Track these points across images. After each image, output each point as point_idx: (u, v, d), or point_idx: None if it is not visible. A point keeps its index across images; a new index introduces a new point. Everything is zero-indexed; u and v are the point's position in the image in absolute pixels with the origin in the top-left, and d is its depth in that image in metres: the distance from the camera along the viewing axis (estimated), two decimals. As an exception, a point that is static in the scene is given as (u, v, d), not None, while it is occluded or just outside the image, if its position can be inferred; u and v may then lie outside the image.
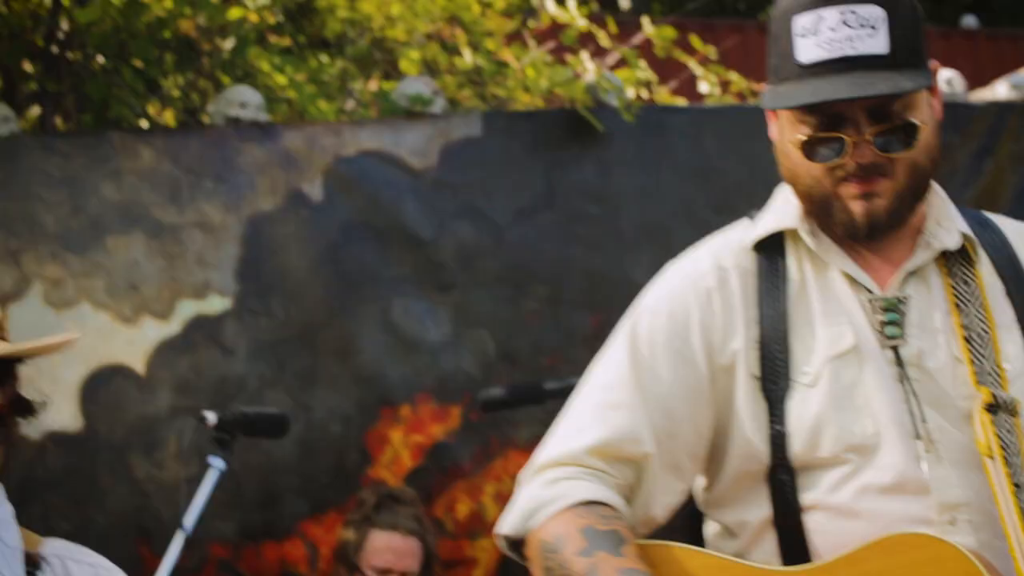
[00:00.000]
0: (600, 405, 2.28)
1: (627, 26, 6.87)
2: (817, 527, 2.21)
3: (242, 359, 4.92)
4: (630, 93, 5.59)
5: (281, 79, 5.67)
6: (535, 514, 2.22)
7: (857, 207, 2.20)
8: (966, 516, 2.19)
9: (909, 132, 2.20)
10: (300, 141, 5.11)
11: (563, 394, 4.43)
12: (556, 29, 6.12)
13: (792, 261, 2.31)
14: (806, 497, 2.22)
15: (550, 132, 5.36)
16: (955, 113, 6.48)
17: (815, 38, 2.18)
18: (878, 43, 2.17)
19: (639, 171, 5.34)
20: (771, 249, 2.31)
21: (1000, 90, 6.94)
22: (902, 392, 2.22)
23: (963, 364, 2.23)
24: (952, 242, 2.28)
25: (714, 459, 2.31)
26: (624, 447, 2.24)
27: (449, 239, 5.16)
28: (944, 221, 2.30)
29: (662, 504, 2.30)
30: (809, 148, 2.21)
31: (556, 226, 5.23)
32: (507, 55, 5.88)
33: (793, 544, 2.22)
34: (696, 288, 2.29)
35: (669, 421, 2.26)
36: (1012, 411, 2.19)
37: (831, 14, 2.18)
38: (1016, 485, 2.14)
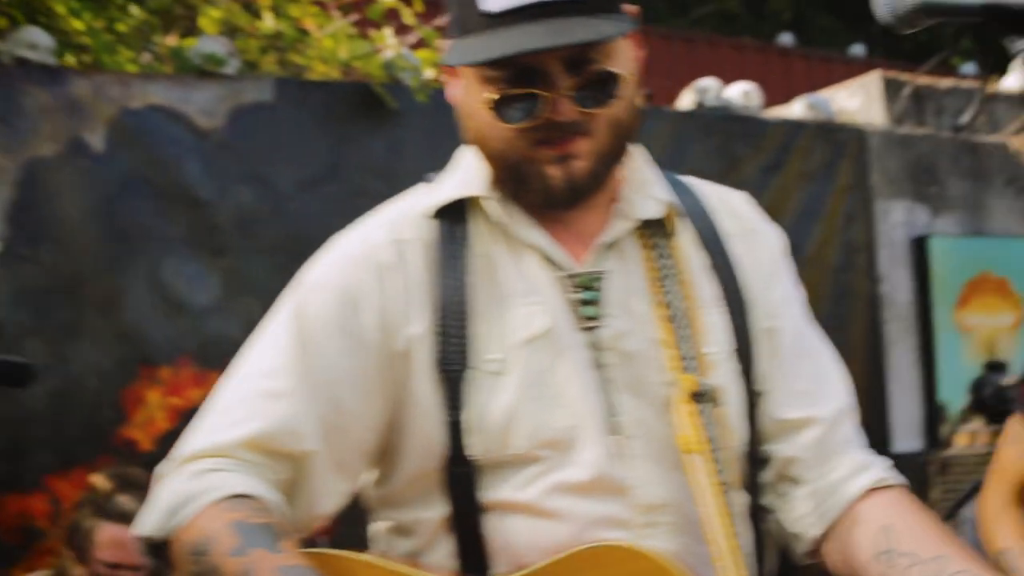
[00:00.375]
0: (259, 394, 1.98)
1: (434, 6, 6.90)
2: (501, 528, 1.99)
3: (3, 305, 4.83)
4: (428, 74, 5.63)
5: (78, 24, 5.58)
6: (179, 510, 1.90)
7: (555, 171, 1.97)
8: (668, 518, 2.00)
9: (610, 84, 1.97)
10: (87, 89, 5.03)
11: None
12: (364, 2, 6.12)
13: (477, 233, 2.06)
14: (489, 495, 1.99)
15: (342, 105, 5.38)
16: (748, 126, 6.69)
17: None
18: None
19: (428, 152, 5.32)
20: (454, 219, 2.06)
21: (796, 108, 7.16)
22: (600, 380, 2.01)
23: (664, 347, 2.03)
24: (651, 211, 2.08)
25: (388, 454, 2.07)
26: (283, 442, 1.96)
27: (228, 203, 5.13)
28: (643, 188, 2.11)
29: (326, 504, 2.02)
30: (500, 108, 1.95)
31: (339, 200, 5.23)
32: (310, 23, 5.86)
33: (472, 546, 2.00)
34: (370, 263, 2.02)
35: (337, 413, 2.00)
36: (716, 401, 2.01)
37: None
38: (721, 483, 1.95)
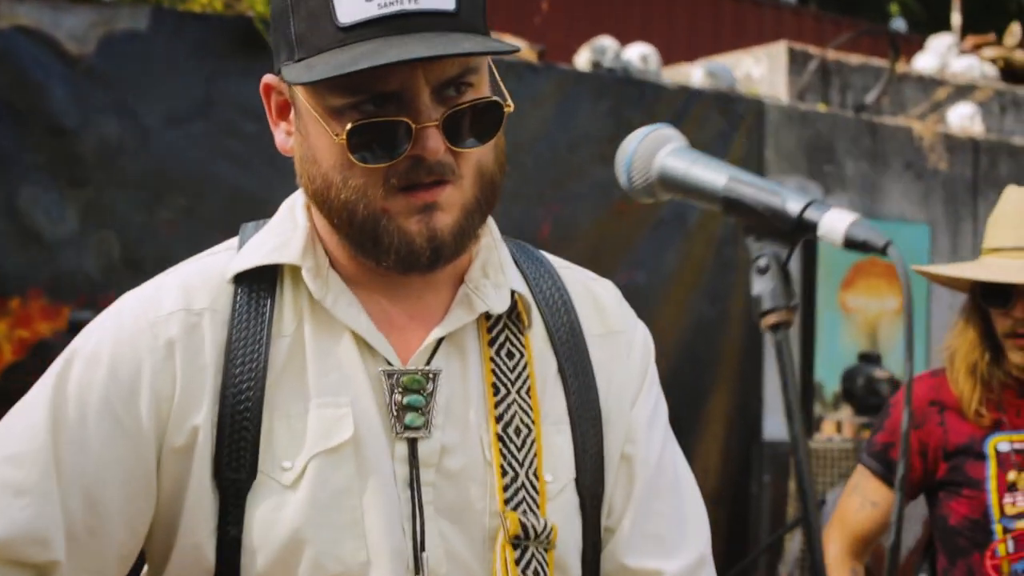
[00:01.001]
0: (1, 487, 1.68)
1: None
2: None
3: None
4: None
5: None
6: None
7: (415, 226, 1.67)
8: None
9: (489, 116, 1.70)
10: (-47, 7, 4.94)
11: None
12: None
13: (287, 308, 1.77)
14: None
15: (220, 39, 5.30)
16: (643, 91, 6.70)
17: None
18: None
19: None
20: (261, 287, 1.76)
21: (695, 75, 7.19)
22: (412, 503, 1.73)
23: (493, 470, 1.75)
24: (499, 303, 1.78)
25: (152, 562, 1.80)
26: (25, 551, 1.67)
27: (92, 133, 5.05)
28: (493, 270, 1.81)
29: None
30: (355, 142, 1.63)
31: (208, 138, 5.18)
32: (195, -48, 5.78)
33: None
34: (154, 335, 1.72)
35: (93, 515, 1.70)
36: (546, 544, 1.75)
37: None
38: None
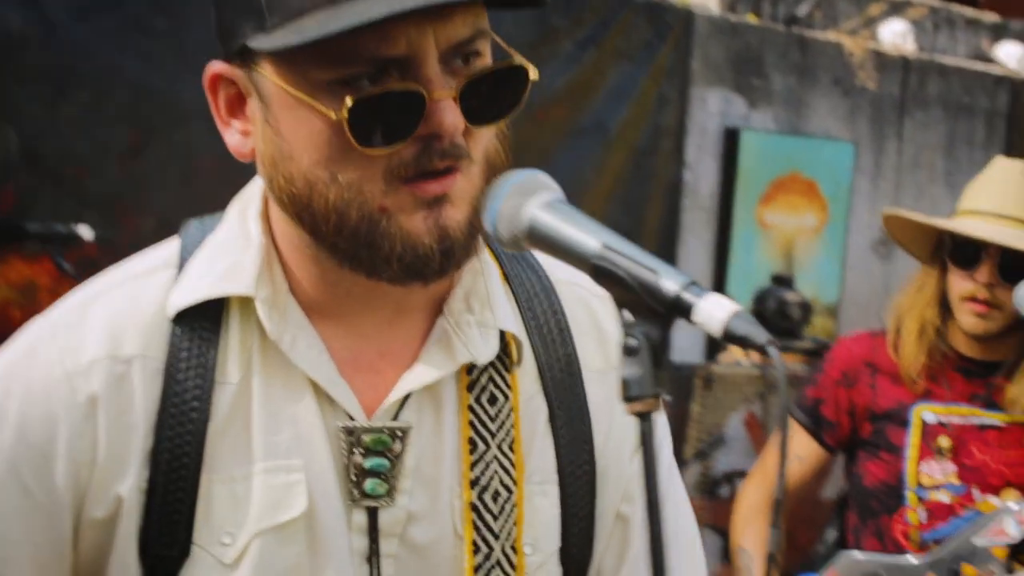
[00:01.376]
0: None
1: None
2: None
3: None
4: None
5: None
6: None
7: (422, 224, 1.41)
8: None
9: (512, 85, 1.45)
10: None
11: (46, 239, 4.47)
12: None
13: (234, 346, 1.51)
14: None
15: (131, -73, 5.22)
16: (569, -3, 6.66)
17: None
18: None
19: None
20: (203, 322, 1.50)
21: (625, -17, 7.14)
22: None
23: (464, 545, 1.54)
24: (485, 351, 1.54)
25: None
26: None
27: (-6, 24, 4.98)
28: (477, 301, 1.56)
29: None
30: (361, 122, 1.36)
31: (118, 33, 5.10)
32: None
33: None
34: (73, 389, 1.47)
35: None
36: None
37: None
38: None
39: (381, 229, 1.40)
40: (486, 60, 1.43)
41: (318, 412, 1.50)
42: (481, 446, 1.54)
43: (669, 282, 1.24)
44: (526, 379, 1.58)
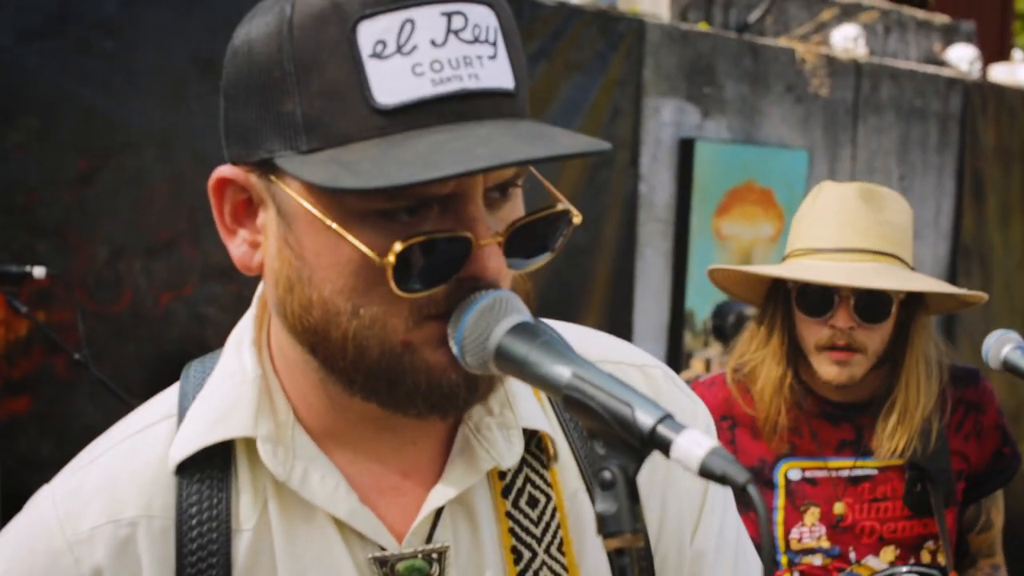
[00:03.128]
0: None
1: None
2: None
3: None
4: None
5: None
6: None
7: (446, 358, 1.35)
8: None
9: (554, 228, 1.42)
10: None
11: None
12: None
13: (246, 490, 1.45)
14: None
15: (74, -50, 5.24)
16: (520, 8, 6.73)
17: (405, 60, 1.28)
18: (501, 70, 1.33)
19: (165, 10, 5.28)
20: (210, 470, 1.45)
21: (576, -8, 7.23)
22: None
23: None
24: (508, 454, 1.49)
25: None
26: None
27: (-64, 50, 4.99)
28: (496, 401, 1.50)
29: None
30: (405, 266, 1.30)
31: (62, 55, 5.13)
32: None
33: None
34: (76, 561, 1.42)
35: None
36: None
37: (428, 17, 1.29)
38: None
39: (404, 365, 1.34)
40: (519, 191, 1.39)
41: (344, 547, 1.44)
42: (527, 554, 1.49)
43: (644, 416, 1.20)
44: (568, 476, 1.53)
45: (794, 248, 3.23)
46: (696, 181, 7.26)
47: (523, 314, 1.33)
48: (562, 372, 1.26)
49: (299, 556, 1.43)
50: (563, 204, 1.40)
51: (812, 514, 3.20)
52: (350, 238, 1.30)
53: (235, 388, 1.45)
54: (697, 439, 1.17)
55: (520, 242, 1.37)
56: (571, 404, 1.25)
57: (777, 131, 7.74)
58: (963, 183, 8.55)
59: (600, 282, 6.88)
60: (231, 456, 1.44)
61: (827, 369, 3.14)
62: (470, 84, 1.29)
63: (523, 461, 1.51)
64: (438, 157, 1.23)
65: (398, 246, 1.28)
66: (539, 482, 1.51)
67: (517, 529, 1.49)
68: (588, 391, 1.24)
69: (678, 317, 7.24)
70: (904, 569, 3.18)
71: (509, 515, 1.49)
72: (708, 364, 6.74)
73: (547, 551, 1.50)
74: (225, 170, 1.39)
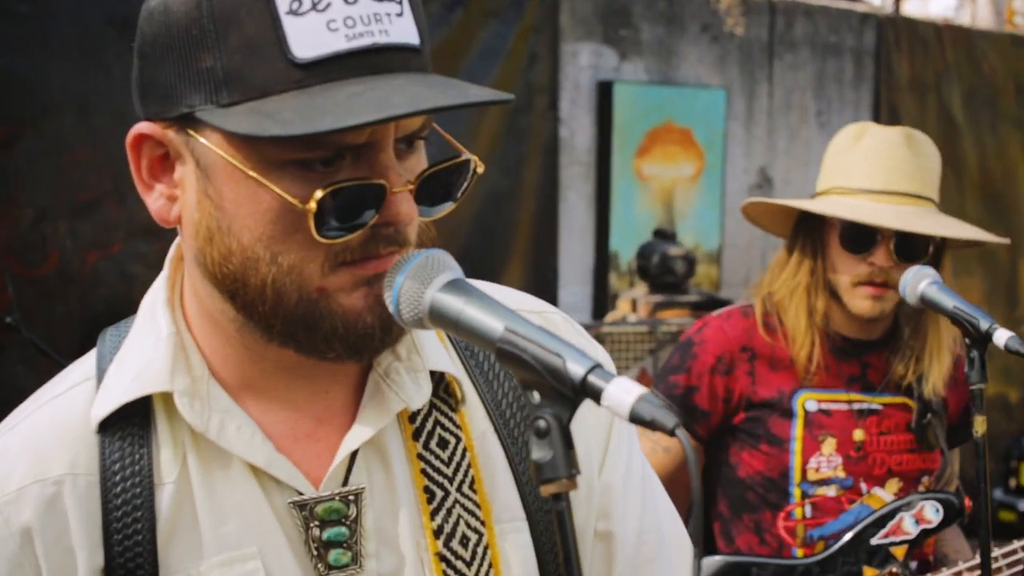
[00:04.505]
0: None
1: None
2: None
3: None
4: None
5: None
6: None
7: (361, 302, 1.43)
8: None
9: (459, 177, 1.50)
10: None
11: None
12: None
13: (165, 443, 1.51)
14: None
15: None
16: (438, -44, 6.78)
17: (320, 16, 1.36)
18: (407, 27, 1.41)
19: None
20: (131, 427, 1.50)
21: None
22: None
23: None
24: (417, 396, 1.57)
25: None
26: None
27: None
28: (404, 346, 1.58)
29: None
30: (324, 212, 1.37)
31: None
32: None
33: None
34: (5, 522, 1.47)
35: None
36: None
37: None
38: None
39: (320, 310, 1.41)
40: (423, 143, 1.48)
41: (262, 493, 1.50)
42: (439, 493, 1.56)
43: (575, 366, 1.25)
44: (476, 417, 1.61)
45: (835, 185, 3.30)
46: (616, 123, 7.36)
47: (456, 271, 1.39)
48: (495, 326, 1.31)
49: (219, 505, 1.49)
50: (466, 155, 1.48)
51: (829, 444, 3.28)
52: (271, 186, 1.36)
53: (150, 346, 1.51)
54: (626, 386, 1.22)
55: (427, 191, 1.45)
56: (504, 356, 1.30)
57: (694, 71, 7.85)
58: (879, 117, 8.69)
59: (524, 227, 6.97)
60: (150, 412, 1.50)
61: (861, 303, 3.23)
62: (381, 39, 1.37)
63: (432, 405, 1.58)
64: (357, 105, 1.30)
65: (319, 193, 1.35)
66: (448, 424, 1.59)
67: (429, 470, 1.56)
68: (520, 344, 1.29)
69: (603, 259, 7.36)
70: (921, 495, 3.26)
71: (421, 456, 1.56)
72: (634, 304, 6.81)
73: (459, 489, 1.57)
74: (142, 126, 1.44)
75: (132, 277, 5.30)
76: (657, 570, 1.72)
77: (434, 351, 1.60)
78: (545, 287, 7.01)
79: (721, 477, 3.41)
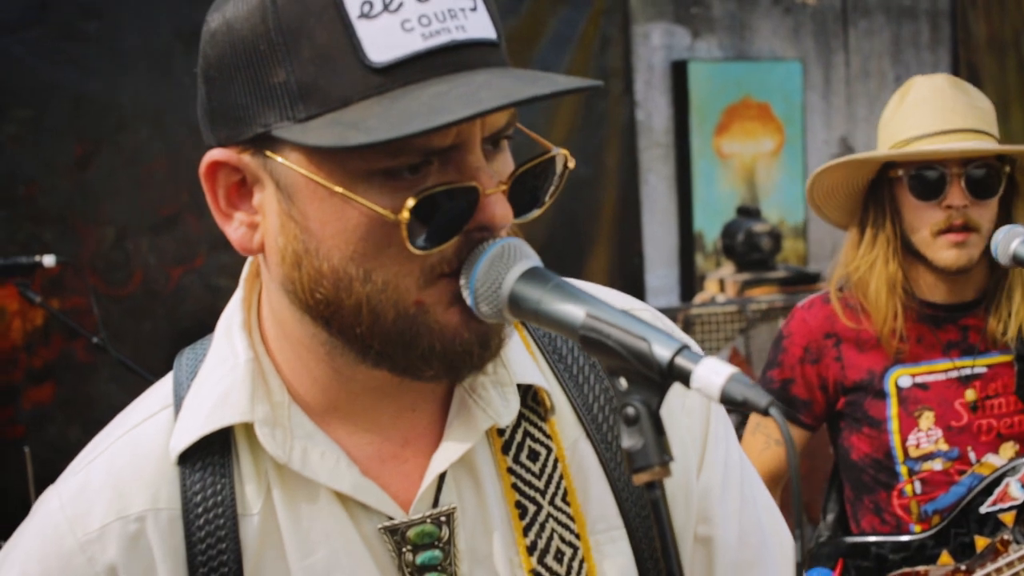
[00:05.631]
0: None
1: None
2: None
3: None
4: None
5: None
6: None
7: (457, 318, 1.37)
8: None
9: (552, 174, 1.43)
10: None
11: (10, 271, 4.51)
12: None
13: (248, 474, 1.46)
14: None
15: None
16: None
17: (393, 17, 1.29)
18: (483, 21, 1.35)
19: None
20: (212, 457, 1.46)
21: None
22: None
23: None
24: (506, 411, 1.50)
25: None
26: None
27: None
28: (497, 362, 1.51)
29: None
30: (418, 222, 1.31)
31: (47, 43, 5.15)
32: None
33: None
34: (89, 561, 1.43)
35: None
36: None
37: None
38: None
39: (418, 326, 1.35)
40: (507, 145, 1.40)
41: (350, 521, 1.45)
42: (532, 507, 1.50)
43: (661, 349, 1.21)
44: (566, 426, 1.54)
45: (893, 143, 3.24)
46: (692, 102, 7.26)
47: (533, 259, 1.34)
48: (576, 313, 1.27)
49: (305, 535, 1.44)
50: (555, 150, 1.41)
51: (927, 418, 3.22)
52: (359, 199, 1.29)
53: (228, 373, 1.46)
54: (716, 367, 1.17)
55: (518, 192, 1.38)
56: (588, 343, 1.26)
57: (769, 44, 7.72)
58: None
59: (607, 213, 6.90)
60: (231, 442, 1.45)
61: (946, 254, 3.16)
62: (458, 36, 1.31)
63: (521, 416, 1.51)
64: (445, 104, 1.24)
65: (411, 201, 1.28)
66: (538, 435, 1.52)
67: (520, 484, 1.50)
68: (603, 329, 1.25)
69: (687, 240, 7.26)
70: None
71: (511, 471, 1.50)
72: (722, 284, 6.73)
73: (552, 502, 1.51)
74: (215, 154, 1.38)
75: (217, 289, 5.29)
76: (759, 573, 1.65)
77: (521, 362, 1.52)
78: (631, 272, 6.95)
79: (840, 461, 3.39)
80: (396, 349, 1.36)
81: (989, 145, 3.12)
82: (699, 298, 6.79)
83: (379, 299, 1.33)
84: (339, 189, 1.30)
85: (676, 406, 1.58)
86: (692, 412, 1.61)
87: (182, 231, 5.26)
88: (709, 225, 7.21)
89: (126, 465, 1.45)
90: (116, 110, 5.15)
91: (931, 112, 3.18)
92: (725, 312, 6.39)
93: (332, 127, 1.27)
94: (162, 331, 5.20)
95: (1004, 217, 3.19)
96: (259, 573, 1.43)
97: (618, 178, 6.94)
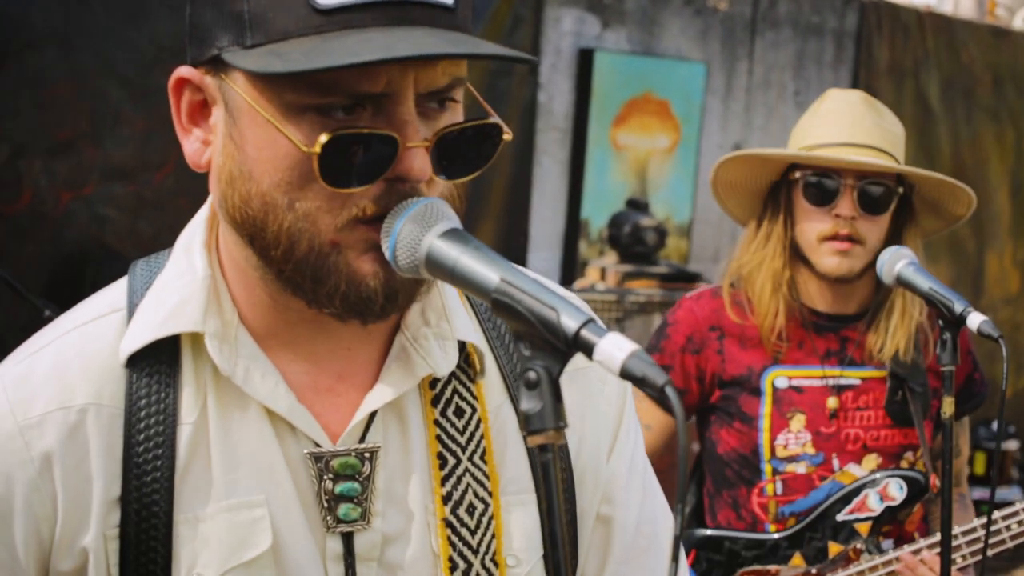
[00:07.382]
0: None
1: None
2: None
3: None
4: None
5: None
6: None
7: (370, 266, 1.45)
8: None
9: (485, 143, 1.49)
10: None
11: None
12: None
13: (189, 383, 1.54)
14: None
15: None
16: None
17: None
18: None
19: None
20: (159, 364, 1.53)
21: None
22: None
23: (441, 562, 1.58)
24: (444, 363, 1.59)
25: None
26: None
27: None
28: (433, 313, 1.61)
29: None
30: (332, 157, 1.39)
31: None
32: None
33: None
34: (26, 444, 1.49)
35: None
36: None
37: None
38: None
39: (329, 264, 1.43)
40: (459, 108, 1.47)
41: (277, 442, 1.52)
42: (451, 460, 1.58)
43: (568, 319, 1.27)
44: (493, 390, 1.64)
45: (799, 147, 3.36)
46: (595, 91, 7.37)
47: (454, 221, 1.41)
48: (491, 276, 1.34)
49: (232, 450, 1.52)
50: (494, 118, 1.48)
51: (798, 421, 3.32)
52: (282, 128, 1.39)
53: (185, 286, 1.54)
54: (619, 342, 1.23)
55: (449, 153, 1.45)
56: (499, 307, 1.32)
57: (676, 43, 7.87)
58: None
59: (497, 190, 6.98)
60: (177, 352, 1.53)
61: (828, 260, 3.28)
62: None
63: (452, 374, 1.61)
64: (362, 48, 1.32)
65: (323, 137, 1.37)
66: (466, 395, 1.61)
67: (444, 437, 1.59)
68: (515, 295, 1.31)
69: (574, 226, 7.38)
70: (886, 472, 3.31)
71: (437, 423, 1.59)
72: (603, 273, 6.84)
73: (470, 459, 1.59)
74: (183, 70, 1.49)
75: (104, 219, 5.28)
76: (649, 561, 1.76)
77: (463, 320, 1.62)
78: (516, 251, 7.04)
79: (705, 453, 3.46)
80: (306, 280, 1.45)
81: (886, 163, 3.25)
82: (579, 284, 6.89)
83: (297, 228, 1.42)
84: (269, 117, 1.40)
85: (596, 391, 1.71)
86: (610, 400, 1.73)
87: (76, 157, 5.25)
88: (597, 213, 7.34)
89: (73, 358, 1.52)
90: (26, 29, 5.13)
91: (840, 124, 3.29)
92: (603, 300, 6.48)
93: (266, 55, 1.37)
94: (46, 253, 5.20)
95: (894, 238, 3.32)
96: (186, 481, 1.50)
97: (512, 157, 7.03)
